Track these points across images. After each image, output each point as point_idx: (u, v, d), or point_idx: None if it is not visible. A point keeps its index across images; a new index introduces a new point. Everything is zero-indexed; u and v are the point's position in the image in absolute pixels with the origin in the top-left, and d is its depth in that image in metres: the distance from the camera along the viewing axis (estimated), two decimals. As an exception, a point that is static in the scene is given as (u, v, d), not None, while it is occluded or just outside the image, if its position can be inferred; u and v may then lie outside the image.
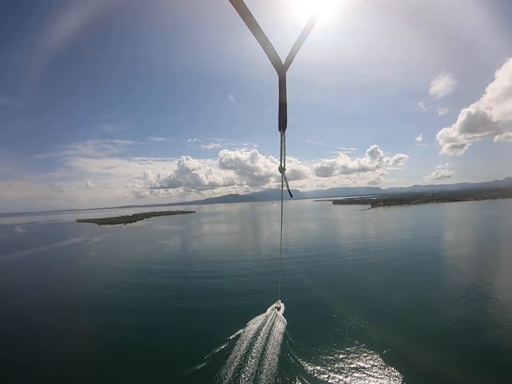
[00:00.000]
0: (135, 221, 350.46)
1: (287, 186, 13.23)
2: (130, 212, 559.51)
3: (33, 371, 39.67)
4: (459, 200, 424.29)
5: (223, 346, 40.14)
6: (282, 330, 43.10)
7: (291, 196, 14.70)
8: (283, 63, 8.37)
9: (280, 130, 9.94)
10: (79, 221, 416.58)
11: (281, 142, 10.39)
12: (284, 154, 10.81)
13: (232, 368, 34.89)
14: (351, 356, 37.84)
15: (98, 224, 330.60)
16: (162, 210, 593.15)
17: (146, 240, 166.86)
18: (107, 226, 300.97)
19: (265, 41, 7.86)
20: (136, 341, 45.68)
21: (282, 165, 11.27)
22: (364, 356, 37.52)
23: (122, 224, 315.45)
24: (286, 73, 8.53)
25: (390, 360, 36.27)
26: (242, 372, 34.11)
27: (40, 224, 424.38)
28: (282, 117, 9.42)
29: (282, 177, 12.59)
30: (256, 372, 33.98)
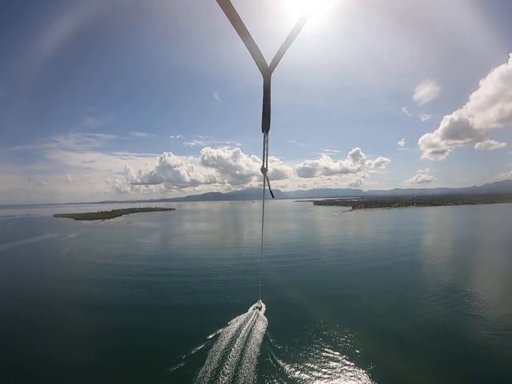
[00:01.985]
0: (114, 217, 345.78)
1: (269, 187, 13.93)
2: (109, 208, 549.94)
3: (7, 365, 38.70)
4: (439, 205, 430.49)
5: (202, 346, 39.72)
6: (263, 331, 43.05)
7: (272, 197, 15.29)
8: (268, 66, 8.56)
9: (263, 131, 10.12)
10: (56, 215, 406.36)
11: (264, 142, 10.50)
12: (267, 155, 10.98)
13: (210, 369, 34.64)
14: (330, 358, 37.69)
15: (76, 219, 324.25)
16: (141, 207, 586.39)
17: (123, 237, 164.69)
18: (84, 221, 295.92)
19: (251, 43, 7.99)
20: (112, 339, 44.80)
21: (265, 166, 11.54)
22: (342, 359, 37.34)
23: (100, 220, 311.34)
24: (271, 75, 8.75)
25: (369, 362, 36.34)
26: (221, 372, 33.89)
27: (16, 218, 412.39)
28: (266, 118, 9.65)
29: (264, 178, 13.05)
30: (235, 373, 33.83)
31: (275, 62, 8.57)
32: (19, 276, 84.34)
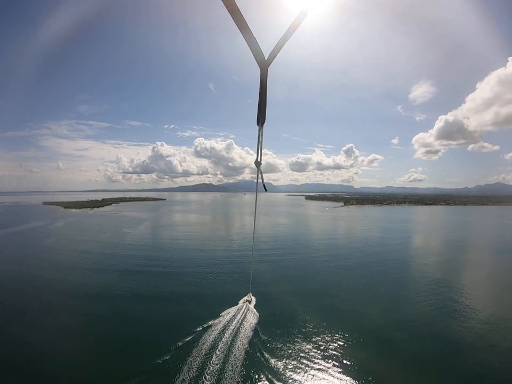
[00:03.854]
0: (103, 206, 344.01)
1: (262, 180, 13.62)
2: (100, 196, 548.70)
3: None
4: (431, 204, 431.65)
5: (191, 337, 39.78)
6: (253, 324, 43.29)
7: (265, 190, 14.95)
8: (266, 59, 8.64)
9: (258, 125, 10.10)
10: (45, 203, 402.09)
11: (258, 136, 10.45)
12: (261, 148, 10.85)
13: (198, 360, 34.83)
14: (317, 353, 38.07)
15: (64, 207, 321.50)
16: (132, 196, 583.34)
17: (110, 227, 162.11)
18: (73, 210, 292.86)
19: (249, 35, 8.06)
20: (99, 328, 44.69)
21: (259, 159, 11.48)
22: (330, 354, 37.89)
23: (89, 208, 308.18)
24: (268, 69, 8.84)
25: (356, 358, 36.80)
26: (209, 363, 34.02)
27: (5, 205, 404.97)
28: (261, 111, 9.57)
29: (257, 171, 12.73)
30: (223, 365, 33.98)
31: (273, 56, 8.59)
32: (2, 264, 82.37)
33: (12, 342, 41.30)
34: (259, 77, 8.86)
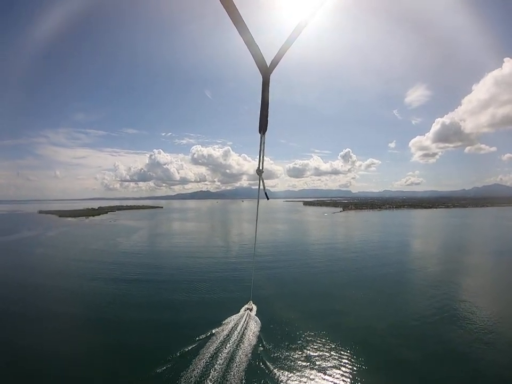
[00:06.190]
0: (99, 215, 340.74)
1: (264, 188, 13.15)
2: (97, 204, 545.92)
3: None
4: (430, 207, 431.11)
5: (193, 346, 39.25)
6: (254, 332, 42.83)
7: (267, 199, 14.29)
8: (268, 66, 8.49)
9: (260, 133, 9.79)
10: (41, 212, 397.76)
11: (260, 144, 10.30)
12: (263, 156, 10.71)
13: (200, 369, 34.58)
14: (321, 362, 37.40)
15: (60, 216, 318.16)
16: (129, 204, 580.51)
17: (104, 236, 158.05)
18: (68, 219, 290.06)
19: (251, 42, 7.99)
20: (99, 336, 43.96)
21: (261, 167, 11.13)
22: (333, 365, 36.81)
23: (85, 217, 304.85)
24: (270, 76, 8.63)
25: (362, 366, 36.09)
26: (211, 373, 33.72)
27: (0, 214, 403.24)
28: (263, 119, 9.32)
29: (259, 179, 12.43)
30: (225, 373, 33.68)
31: (275, 63, 8.39)
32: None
33: (12, 349, 40.97)
34: (258, 84, 8.65)
